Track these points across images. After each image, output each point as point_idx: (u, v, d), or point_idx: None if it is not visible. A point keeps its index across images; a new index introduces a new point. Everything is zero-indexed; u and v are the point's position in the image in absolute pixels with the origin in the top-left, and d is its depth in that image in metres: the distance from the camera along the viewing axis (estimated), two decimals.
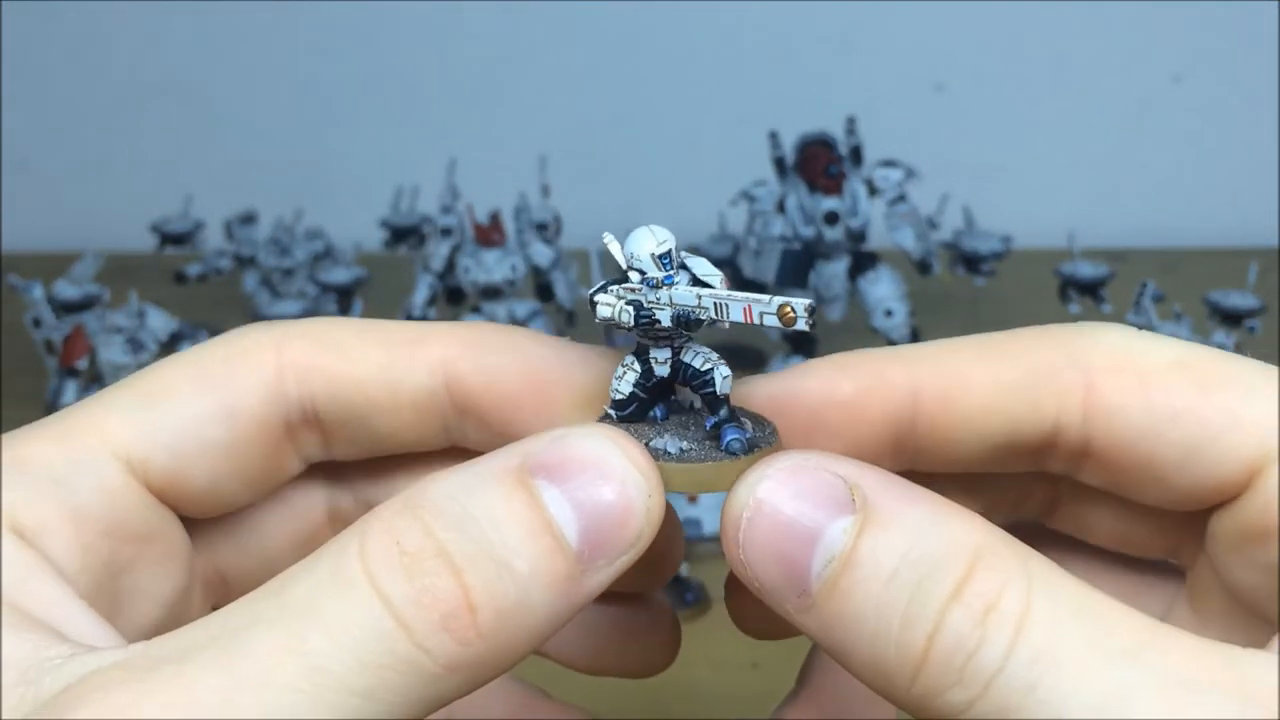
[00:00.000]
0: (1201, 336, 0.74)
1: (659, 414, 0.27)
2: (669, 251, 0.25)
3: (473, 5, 1.10)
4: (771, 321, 0.24)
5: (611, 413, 0.27)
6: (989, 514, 0.28)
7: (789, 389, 0.28)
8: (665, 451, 0.25)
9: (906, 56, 1.11)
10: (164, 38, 1.13)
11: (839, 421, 0.27)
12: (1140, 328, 0.74)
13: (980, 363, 0.27)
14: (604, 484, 0.23)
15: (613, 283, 0.26)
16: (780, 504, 0.23)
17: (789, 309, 0.24)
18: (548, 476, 0.23)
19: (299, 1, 1.11)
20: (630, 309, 0.25)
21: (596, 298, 0.26)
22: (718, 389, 0.26)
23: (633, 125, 1.13)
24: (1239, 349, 0.75)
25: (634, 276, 0.26)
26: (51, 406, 0.79)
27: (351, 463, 0.30)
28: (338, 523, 0.31)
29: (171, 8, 1.11)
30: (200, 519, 0.29)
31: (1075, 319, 0.87)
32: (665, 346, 0.26)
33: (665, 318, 0.25)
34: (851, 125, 0.79)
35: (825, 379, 0.28)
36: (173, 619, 0.27)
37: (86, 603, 0.24)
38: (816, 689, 0.30)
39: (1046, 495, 0.29)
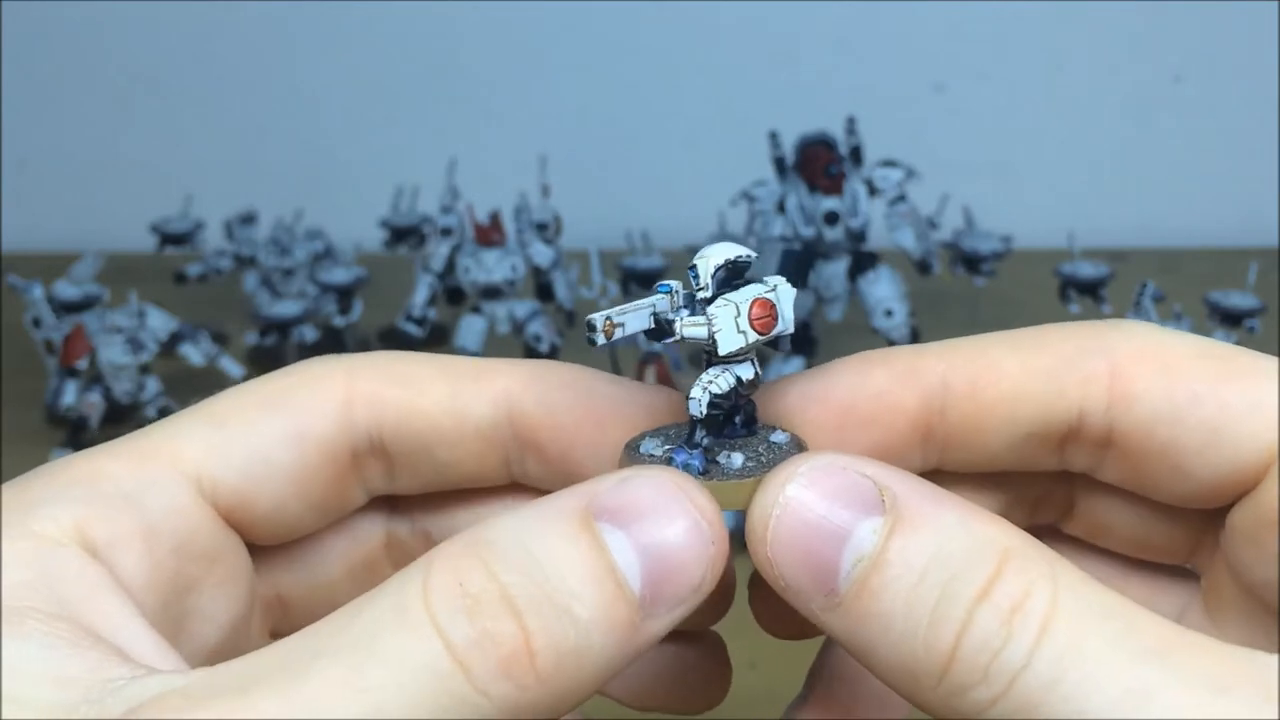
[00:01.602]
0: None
1: (740, 420, 0.27)
2: (695, 265, 0.25)
3: (473, 5, 1.10)
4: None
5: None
6: (1008, 516, 0.29)
7: (821, 384, 0.28)
8: (649, 454, 0.26)
9: (906, 56, 1.11)
10: (164, 38, 1.13)
11: (872, 412, 0.27)
12: None
13: (1009, 353, 0.27)
14: (669, 529, 0.23)
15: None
16: (809, 503, 0.23)
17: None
18: (612, 520, 0.23)
19: (299, 1, 1.11)
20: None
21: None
22: (688, 409, 0.26)
23: (633, 125, 1.13)
24: None
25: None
26: (51, 406, 0.79)
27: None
28: (394, 551, 0.31)
29: (171, 7, 1.11)
30: (264, 544, 0.29)
31: (1076, 319, 0.87)
32: (706, 361, 0.26)
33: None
34: (851, 125, 0.79)
35: (858, 372, 0.28)
36: (233, 641, 0.28)
37: (152, 621, 0.24)
38: (827, 690, 0.30)
39: (1064, 497, 0.30)
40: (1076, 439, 0.27)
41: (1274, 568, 0.25)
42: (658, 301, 0.26)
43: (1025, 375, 0.27)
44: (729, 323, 0.25)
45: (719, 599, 0.30)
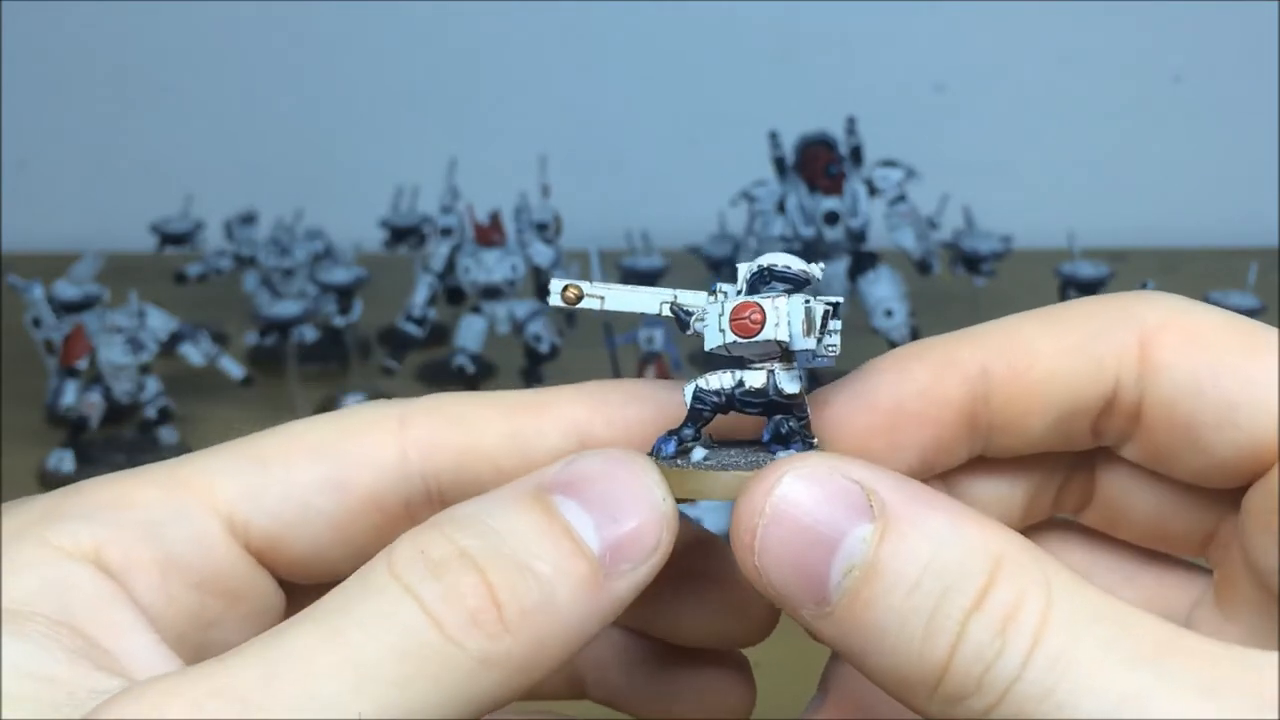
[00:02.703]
0: None
1: (767, 435, 0.26)
2: (740, 270, 0.26)
3: (473, 5, 1.10)
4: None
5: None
6: (1034, 504, 0.29)
7: (864, 387, 0.28)
8: (659, 450, 0.26)
9: (906, 56, 1.11)
10: (164, 38, 1.13)
11: (919, 409, 0.27)
12: None
13: (1043, 332, 0.27)
14: (618, 491, 0.24)
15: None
16: (797, 511, 0.23)
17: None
18: (564, 492, 0.24)
19: (299, 2, 1.11)
20: None
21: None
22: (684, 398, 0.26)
23: (633, 125, 1.13)
24: None
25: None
26: (51, 406, 0.79)
27: None
28: None
29: (171, 7, 1.11)
30: (299, 584, 0.29)
31: None
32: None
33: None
34: (851, 125, 0.79)
35: (898, 370, 0.28)
36: None
37: (170, 646, 0.24)
38: (843, 691, 0.30)
39: (1086, 481, 0.30)
40: (1110, 412, 0.27)
41: None
42: (681, 294, 0.26)
43: (1062, 353, 0.27)
44: (714, 320, 0.25)
45: (765, 617, 0.29)
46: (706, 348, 0.25)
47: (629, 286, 0.26)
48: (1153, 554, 0.30)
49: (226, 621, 0.27)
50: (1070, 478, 0.29)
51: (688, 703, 0.31)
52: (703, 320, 0.25)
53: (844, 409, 0.27)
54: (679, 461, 0.25)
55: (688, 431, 0.26)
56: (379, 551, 0.29)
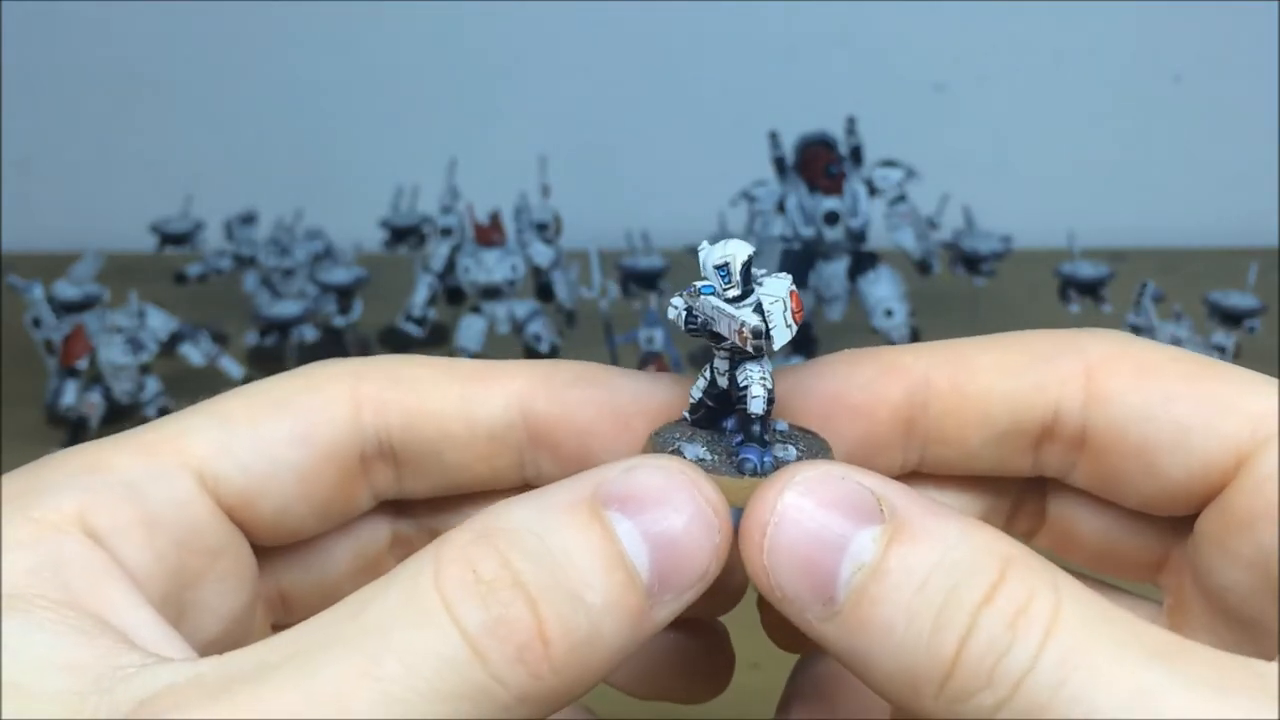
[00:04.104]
0: (1201, 336, 0.74)
1: (730, 424, 0.27)
2: (726, 264, 0.25)
3: (473, 5, 1.10)
4: (735, 339, 0.25)
5: (686, 415, 0.27)
6: None
7: (809, 376, 0.28)
8: (699, 458, 0.26)
9: (906, 56, 1.10)
10: (164, 37, 1.13)
11: (858, 402, 0.28)
12: (1140, 328, 0.74)
13: (989, 351, 0.28)
14: (674, 517, 0.23)
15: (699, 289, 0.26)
16: (807, 512, 0.23)
17: (744, 330, 0.25)
18: (620, 508, 0.23)
19: (299, 1, 1.11)
20: (681, 311, 0.26)
21: (670, 299, 0.26)
22: (748, 407, 0.26)
23: (633, 125, 1.13)
24: (1239, 349, 0.75)
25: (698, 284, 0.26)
26: (51, 406, 0.79)
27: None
28: (400, 549, 0.31)
29: (172, 7, 1.11)
30: (268, 545, 0.29)
31: (1075, 319, 0.87)
32: (724, 358, 0.26)
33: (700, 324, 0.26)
34: (851, 125, 0.79)
35: (845, 364, 0.28)
36: (234, 635, 0.28)
37: (157, 610, 0.24)
38: (806, 710, 0.30)
39: (1037, 508, 0.30)
40: (1051, 438, 0.28)
41: (1241, 571, 0.26)
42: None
43: (1004, 371, 0.28)
44: (780, 318, 0.25)
45: (731, 590, 0.30)
46: (779, 344, 0.25)
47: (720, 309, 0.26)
48: (1103, 584, 0.30)
49: (206, 580, 0.27)
50: (1021, 504, 0.30)
51: (668, 673, 0.31)
52: (760, 322, 0.25)
53: (786, 392, 0.28)
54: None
55: (766, 436, 0.26)
56: (341, 506, 0.29)
